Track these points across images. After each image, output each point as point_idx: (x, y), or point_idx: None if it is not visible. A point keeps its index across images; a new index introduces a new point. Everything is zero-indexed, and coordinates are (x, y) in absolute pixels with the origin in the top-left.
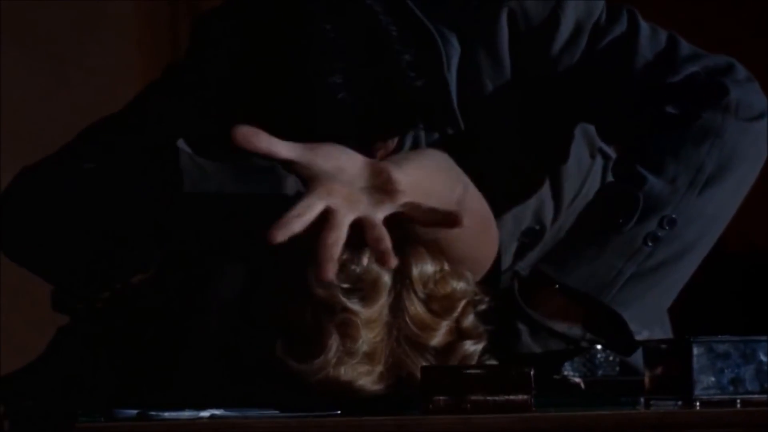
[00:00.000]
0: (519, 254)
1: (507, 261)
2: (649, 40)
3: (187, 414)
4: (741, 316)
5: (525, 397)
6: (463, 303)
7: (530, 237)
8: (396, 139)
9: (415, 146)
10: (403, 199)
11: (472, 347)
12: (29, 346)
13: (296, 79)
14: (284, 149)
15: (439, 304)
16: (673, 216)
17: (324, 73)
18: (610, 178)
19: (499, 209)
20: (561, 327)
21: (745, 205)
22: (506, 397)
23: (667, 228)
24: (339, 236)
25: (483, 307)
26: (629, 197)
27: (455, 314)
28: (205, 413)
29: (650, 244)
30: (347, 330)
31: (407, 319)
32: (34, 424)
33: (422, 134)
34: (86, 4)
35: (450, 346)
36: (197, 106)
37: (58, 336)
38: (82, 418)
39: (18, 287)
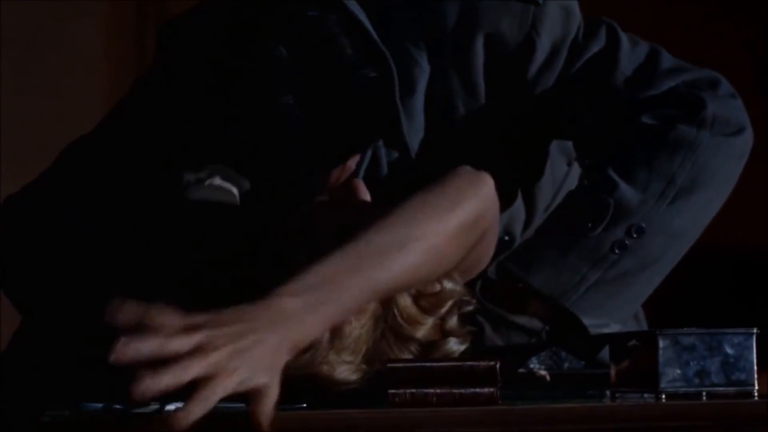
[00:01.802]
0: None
1: None
2: (629, 55)
3: (153, 407)
4: (718, 310)
5: (491, 390)
6: (450, 302)
7: (499, 246)
8: (356, 159)
9: (375, 164)
10: None
11: (456, 347)
12: None
13: (250, 96)
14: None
15: (428, 301)
16: (642, 225)
17: (276, 93)
18: None
19: None
20: (521, 320)
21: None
22: (472, 390)
23: (635, 236)
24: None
25: (470, 308)
26: (600, 202)
27: (442, 311)
28: (171, 406)
29: (617, 251)
30: (337, 327)
31: (395, 311)
32: (1, 418)
33: (383, 152)
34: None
35: (434, 344)
36: (169, 114)
37: (22, 328)
38: (47, 412)
39: None
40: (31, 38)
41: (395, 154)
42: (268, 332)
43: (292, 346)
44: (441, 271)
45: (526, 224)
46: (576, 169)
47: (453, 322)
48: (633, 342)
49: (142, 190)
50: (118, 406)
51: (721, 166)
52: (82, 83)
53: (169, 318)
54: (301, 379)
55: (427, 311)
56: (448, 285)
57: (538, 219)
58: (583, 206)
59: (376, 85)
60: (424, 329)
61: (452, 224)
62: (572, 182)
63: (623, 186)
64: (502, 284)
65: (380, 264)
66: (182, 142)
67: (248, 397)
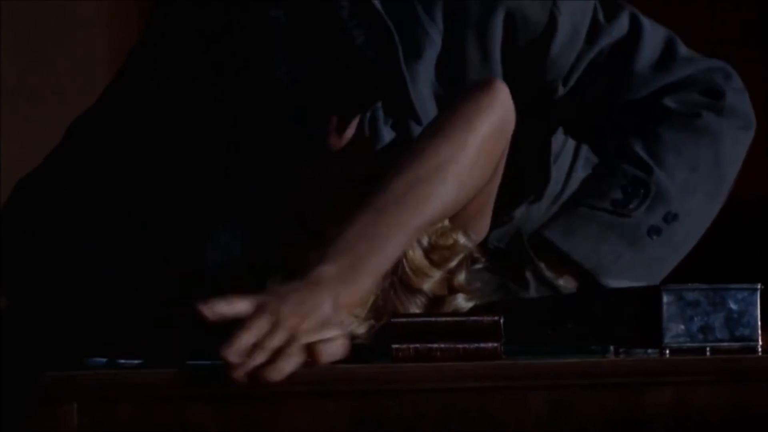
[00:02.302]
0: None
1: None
2: (651, 40)
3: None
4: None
5: (494, 345)
6: (460, 257)
7: (499, 225)
8: (355, 123)
9: (374, 129)
10: None
11: (463, 303)
12: None
13: (245, 58)
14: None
15: (438, 254)
16: (677, 213)
17: (271, 55)
18: (582, 157)
19: None
20: (563, 287)
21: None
22: (476, 345)
23: (669, 223)
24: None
25: (479, 266)
26: (641, 183)
27: (451, 265)
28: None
29: (653, 236)
30: None
31: (404, 262)
32: (4, 374)
33: (380, 116)
34: None
35: (441, 299)
36: (166, 83)
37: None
38: (51, 367)
39: None
40: (32, 5)
41: (397, 120)
42: (322, 296)
43: (346, 303)
44: (479, 185)
45: (531, 200)
46: (571, 141)
47: (461, 278)
48: (635, 294)
49: (149, 164)
50: (121, 361)
51: (736, 159)
52: (83, 49)
53: (242, 305)
54: None
55: (436, 264)
56: (461, 240)
57: (546, 201)
58: (622, 185)
59: (373, 47)
60: (431, 282)
61: (475, 141)
62: (568, 154)
63: (656, 170)
64: (539, 246)
65: (413, 204)
66: (180, 111)
67: (320, 352)
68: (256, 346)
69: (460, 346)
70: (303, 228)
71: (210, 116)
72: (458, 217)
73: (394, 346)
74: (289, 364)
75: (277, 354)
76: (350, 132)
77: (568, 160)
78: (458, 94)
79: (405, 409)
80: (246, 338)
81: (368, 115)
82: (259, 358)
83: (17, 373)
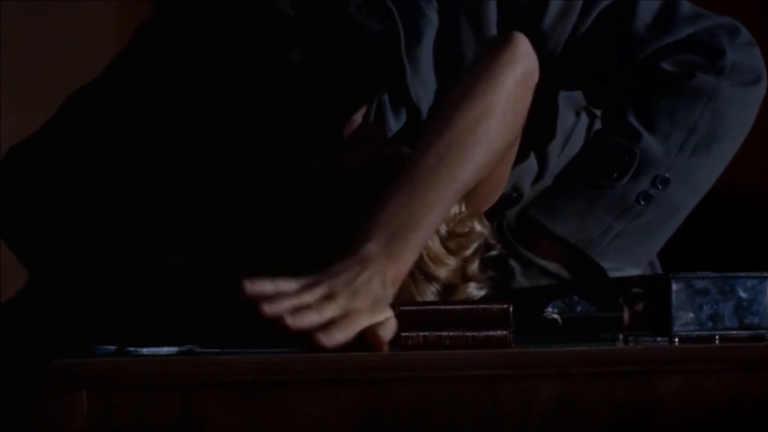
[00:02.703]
0: (494, 214)
1: None
2: (647, 1)
3: (165, 350)
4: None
5: (504, 333)
6: (476, 245)
7: (507, 202)
8: (363, 110)
9: (380, 115)
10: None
11: (475, 291)
12: None
13: (250, 45)
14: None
15: (455, 242)
16: (667, 176)
17: (277, 44)
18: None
19: None
20: (552, 266)
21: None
22: (485, 333)
23: (659, 187)
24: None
25: (493, 252)
26: (626, 151)
27: (467, 254)
28: (183, 349)
29: (642, 202)
30: None
31: (423, 251)
32: (14, 361)
33: (387, 102)
34: None
35: (454, 288)
36: (170, 65)
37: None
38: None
39: None
40: None
41: (402, 107)
42: (370, 273)
43: (393, 278)
44: (509, 141)
45: (536, 179)
46: (583, 121)
47: (475, 266)
48: (644, 282)
49: (145, 138)
50: (130, 349)
51: (739, 116)
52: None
53: (287, 284)
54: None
55: (452, 252)
56: (477, 227)
57: (549, 174)
58: (608, 156)
59: (380, 38)
60: (446, 270)
61: (501, 97)
62: (580, 132)
63: (647, 136)
64: (527, 229)
65: (446, 172)
66: (183, 92)
67: (377, 335)
68: (310, 308)
69: (469, 334)
70: (312, 223)
71: (211, 110)
72: (476, 193)
73: (404, 334)
74: (342, 333)
75: (330, 325)
76: (358, 118)
77: (580, 142)
78: (478, 51)
79: (414, 396)
80: (302, 299)
81: (374, 103)
82: (315, 317)
83: (24, 361)
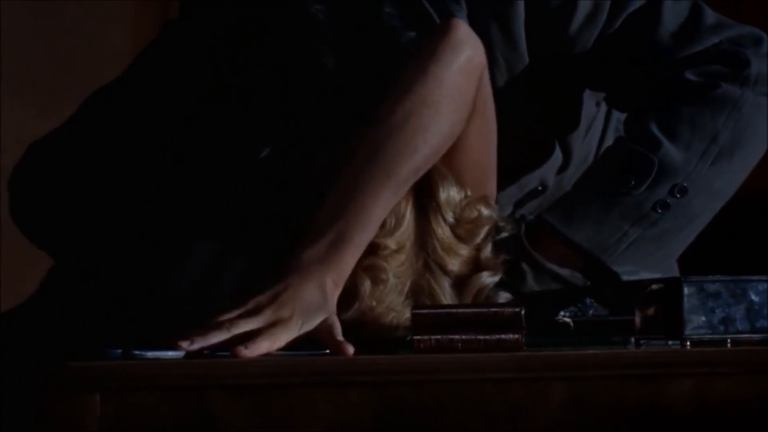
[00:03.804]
0: (519, 204)
1: (507, 210)
2: (673, 9)
3: (171, 353)
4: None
5: (516, 336)
6: (486, 229)
7: (532, 195)
8: None
9: None
10: None
11: (489, 279)
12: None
13: (282, 50)
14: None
15: (465, 229)
16: (685, 185)
17: (312, 50)
18: (612, 125)
19: (506, 178)
20: (564, 272)
21: None
22: (497, 336)
23: (677, 196)
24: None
25: (504, 234)
26: (644, 160)
27: (478, 240)
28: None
29: (659, 210)
30: (377, 274)
31: (435, 242)
32: (26, 364)
33: None
34: None
35: (466, 280)
36: (195, 65)
37: (48, 277)
38: (73, 357)
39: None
40: None
41: None
42: (304, 280)
43: (334, 280)
44: (455, 129)
45: (562, 169)
46: (602, 110)
47: (488, 251)
48: (656, 286)
49: (167, 137)
50: (136, 352)
51: (761, 126)
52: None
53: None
54: (352, 328)
55: (463, 239)
56: (485, 211)
57: (573, 166)
58: (627, 163)
59: (413, 44)
60: (459, 261)
61: (432, 90)
62: (598, 123)
63: (667, 144)
64: (542, 234)
65: (382, 164)
66: (207, 93)
67: (318, 333)
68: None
69: (481, 337)
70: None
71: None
72: (464, 182)
73: (416, 336)
74: (267, 342)
75: (254, 335)
76: None
77: (599, 130)
78: (417, 47)
79: (426, 399)
80: (221, 318)
81: None
82: (225, 334)
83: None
